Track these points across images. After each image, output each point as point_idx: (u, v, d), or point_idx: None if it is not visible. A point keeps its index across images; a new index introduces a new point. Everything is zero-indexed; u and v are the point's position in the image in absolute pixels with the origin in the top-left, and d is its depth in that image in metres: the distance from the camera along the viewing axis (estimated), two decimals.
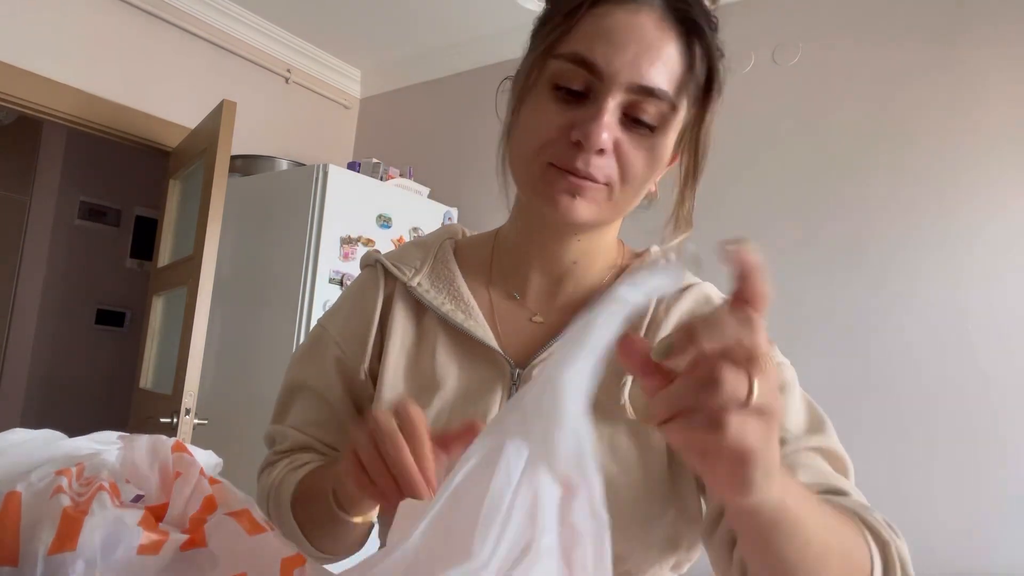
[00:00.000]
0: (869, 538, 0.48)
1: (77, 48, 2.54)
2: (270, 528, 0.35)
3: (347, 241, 2.49)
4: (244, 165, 2.77)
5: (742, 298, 0.34)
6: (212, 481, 0.35)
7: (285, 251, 2.48)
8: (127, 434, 0.36)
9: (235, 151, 2.51)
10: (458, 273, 0.71)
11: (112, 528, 0.29)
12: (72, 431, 0.46)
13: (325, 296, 2.41)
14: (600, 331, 0.32)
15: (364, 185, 2.61)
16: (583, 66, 0.56)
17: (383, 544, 0.68)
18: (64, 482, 0.32)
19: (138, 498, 0.34)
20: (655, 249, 0.72)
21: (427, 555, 0.26)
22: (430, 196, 2.88)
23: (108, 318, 4.08)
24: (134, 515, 0.30)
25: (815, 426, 0.61)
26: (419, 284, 0.70)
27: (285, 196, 2.55)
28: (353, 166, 2.75)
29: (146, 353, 2.67)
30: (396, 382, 0.69)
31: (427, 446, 0.46)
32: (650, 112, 0.57)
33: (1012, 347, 1.81)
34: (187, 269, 2.34)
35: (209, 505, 0.34)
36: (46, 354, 3.83)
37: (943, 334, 1.91)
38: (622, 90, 0.56)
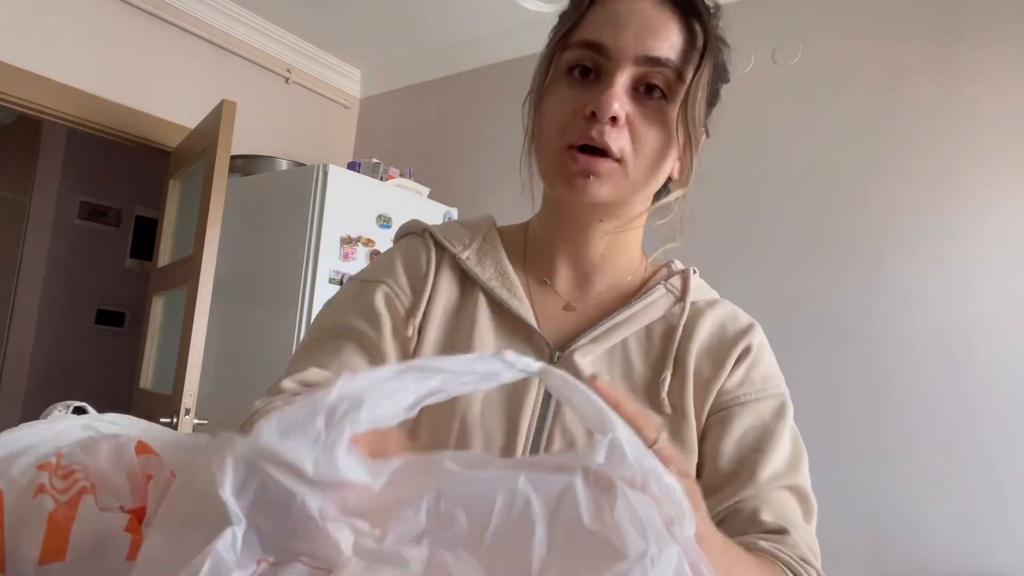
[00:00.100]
0: None
1: (77, 48, 2.54)
2: None
3: (347, 241, 2.49)
4: (244, 165, 2.77)
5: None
6: None
7: (285, 251, 2.48)
8: (86, 440, 0.35)
9: (235, 151, 2.51)
10: (504, 254, 0.73)
11: (100, 536, 0.29)
12: None
13: (325, 296, 2.38)
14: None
15: (364, 185, 2.61)
16: (591, 48, 0.61)
17: None
18: (45, 478, 0.32)
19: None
20: (678, 264, 0.75)
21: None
22: (430, 196, 2.88)
23: (108, 318, 4.08)
24: (120, 520, 0.30)
25: (793, 463, 0.64)
26: (468, 258, 0.72)
27: (285, 196, 2.55)
28: (353, 166, 2.75)
29: (146, 353, 2.67)
30: (435, 347, 0.69)
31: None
32: (658, 81, 0.61)
33: (1012, 346, 1.81)
34: (187, 269, 2.34)
35: None
36: (46, 354, 3.84)
37: (943, 333, 1.91)
38: (630, 63, 0.60)
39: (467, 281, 0.72)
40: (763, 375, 0.67)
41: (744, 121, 2.25)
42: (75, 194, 3.94)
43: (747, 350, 0.67)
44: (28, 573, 0.30)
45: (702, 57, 0.61)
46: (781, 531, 0.59)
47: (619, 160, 0.61)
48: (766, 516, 0.60)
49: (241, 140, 2.73)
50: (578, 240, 0.70)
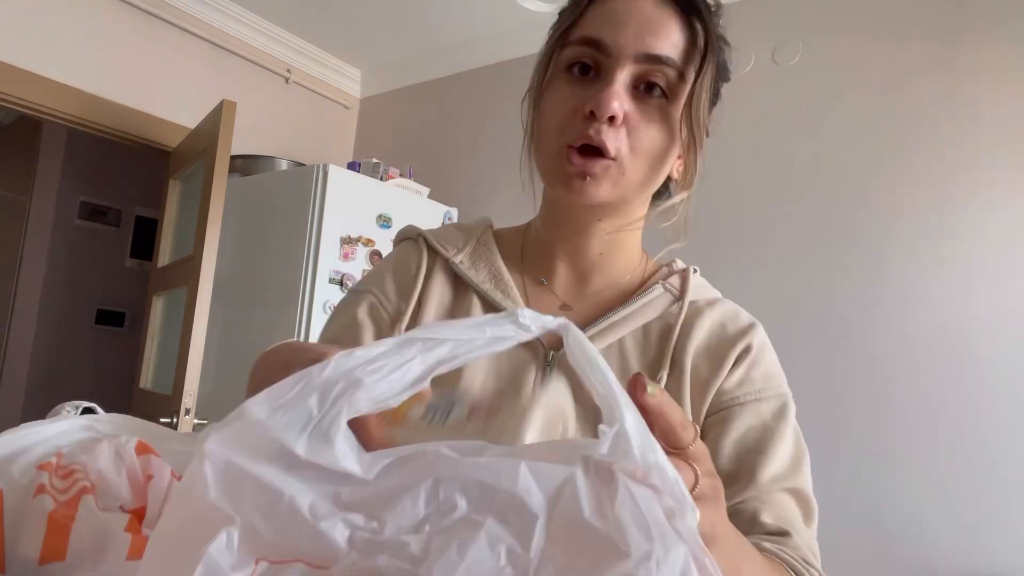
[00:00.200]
0: None
1: (77, 48, 2.54)
2: None
3: (347, 241, 2.49)
4: (244, 165, 2.77)
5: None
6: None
7: (285, 251, 2.48)
8: (86, 440, 0.35)
9: (235, 151, 2.51)
10: (498, 256, 0.73)
11: (100, 536, 0.29)
12: None
13: (325, 296, 2.41)
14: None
15: (364, 185, 2.61)
16: (591, 46, 0.61)
17: None
18: (45, 479, 0.32)
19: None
20: (679, 263, 0.74)
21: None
22: (430, 196, 2.88)
23: (108, 318, 4.08)
24: (120, 520, 0.30)
25: (795, 464, 0.64)
26: (461, 262, 0.72)
27: (285, 196, 2.55)
28: (353, 166, 2.75)
29: (146, 353, 2.67)
30: None
31: None
32: (659, 79, 0.61)
33: (1014, 346, 1.81)
34: (187, 269, 2.34)
35: None
36: (46, 354, 3.84)
37: (945, 333, 1.90)
38: (630, 61, 0.60)
39: (460, 284, 0.72)
40: (764, 375, 0.66)
41: (745, 121, 2.25)
42: (75, 194, 3.94)
43: (747, 350, 0.67)
44: (28, 573, 0.29)
45: (704, 57, 0.61)
46: (782, 533, 0.59)
47: (615, 159, 0.61)
48: (766, 518, 0.59)
49: (241, 140, 2.73)
50: (577, 240, 0.69)
